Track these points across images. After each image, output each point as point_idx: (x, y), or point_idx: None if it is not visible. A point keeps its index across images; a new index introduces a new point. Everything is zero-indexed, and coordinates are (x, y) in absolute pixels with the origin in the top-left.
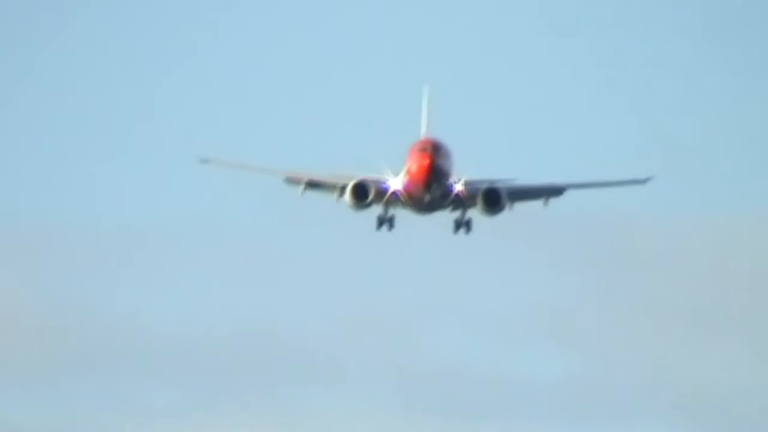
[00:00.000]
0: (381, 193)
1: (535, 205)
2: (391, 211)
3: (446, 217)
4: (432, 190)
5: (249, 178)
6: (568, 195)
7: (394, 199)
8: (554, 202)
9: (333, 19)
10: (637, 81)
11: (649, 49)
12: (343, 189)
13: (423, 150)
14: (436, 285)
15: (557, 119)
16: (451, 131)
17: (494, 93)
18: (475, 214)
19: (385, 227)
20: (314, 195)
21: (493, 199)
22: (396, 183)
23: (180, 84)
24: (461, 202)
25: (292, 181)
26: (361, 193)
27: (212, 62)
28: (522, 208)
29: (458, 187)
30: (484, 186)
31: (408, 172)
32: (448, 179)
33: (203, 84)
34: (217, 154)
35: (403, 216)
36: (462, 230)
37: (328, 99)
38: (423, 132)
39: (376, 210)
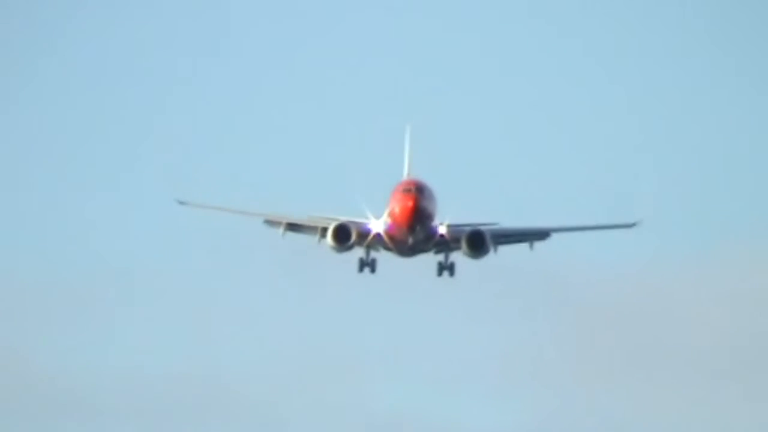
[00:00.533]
0: (363, 235)
1: (520, 248)
2: (373, 254)
3: (429, 259)
4: (416, 232)
5: (228, 219)
6: (554, 238)
7: (377, 241)
8: (539, 245)
9: (313, 59)
10: (625, 124)
11: (636, 90)
12: (324, 231)
13: (407, 191)
14: (419, 329)
15: (542, 162)
16: (433, 172)
17: (478, 134)
18: (458, 257)
19: (367, 270)
20: (295, 237)
21: (478, 241)
22: (378, 225)
23: (159, 125)
24: (445, 245)
25: (271, 223)
26: (343, 236)
27: (190, 102)
28: (507, 251)
29: (442, 230)
30: (468, 229)
31: (391, 213)
32: (432, 221)
33: (182, 125)
34: (196, 195)
35: (386, 259)
36: (445, 273)
37: (309, 140)
38: (405, 173)
39: (358, 252)
